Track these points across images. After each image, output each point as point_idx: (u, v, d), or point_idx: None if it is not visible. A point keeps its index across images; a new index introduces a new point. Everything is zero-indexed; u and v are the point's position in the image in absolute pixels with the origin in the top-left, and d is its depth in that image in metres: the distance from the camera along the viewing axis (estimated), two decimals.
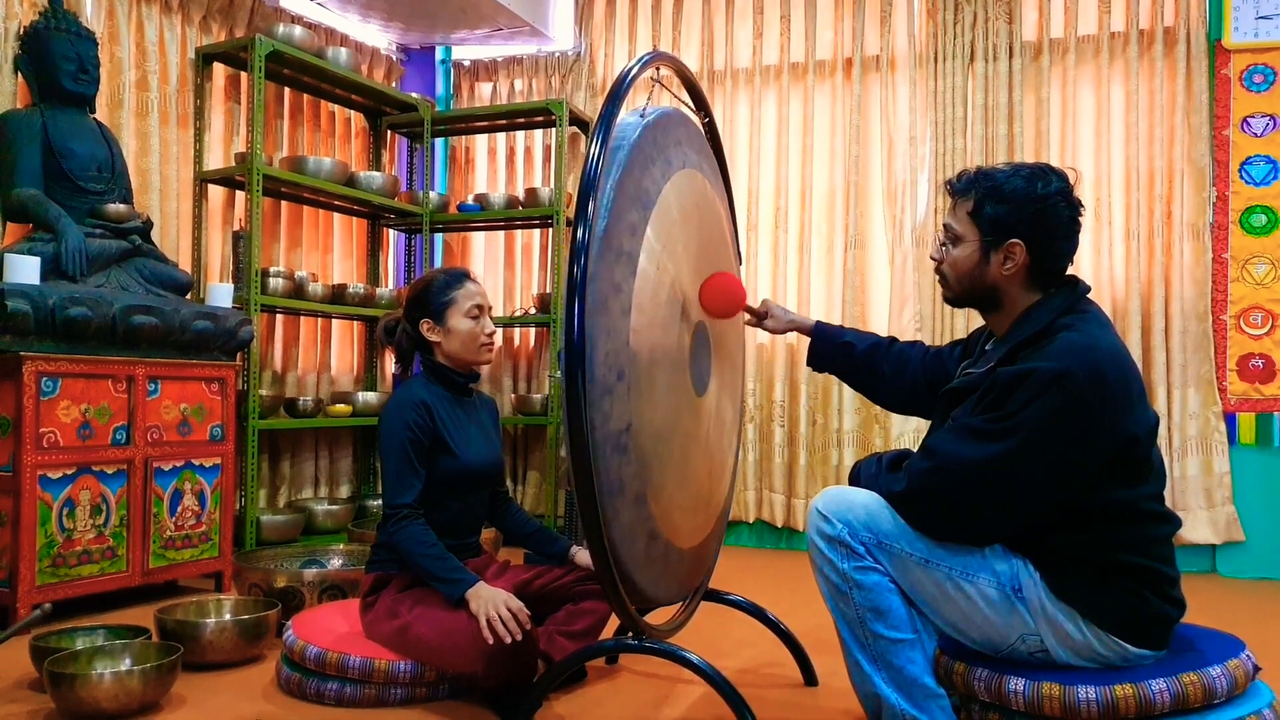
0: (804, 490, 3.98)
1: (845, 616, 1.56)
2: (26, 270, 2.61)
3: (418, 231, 4.38)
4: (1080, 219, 1.58)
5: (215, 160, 3.67)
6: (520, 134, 4.62)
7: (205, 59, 3.58)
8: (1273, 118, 3.57)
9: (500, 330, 4.26)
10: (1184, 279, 3.61)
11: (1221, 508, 3.54)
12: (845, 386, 3.93)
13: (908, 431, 3.85)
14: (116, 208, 2.96)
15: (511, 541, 2.39)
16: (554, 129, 4.20)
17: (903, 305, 3.90)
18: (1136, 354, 3.62)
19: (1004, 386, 1.47)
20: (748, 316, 2.12)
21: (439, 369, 2.17)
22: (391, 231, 4.55)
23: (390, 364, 4.33)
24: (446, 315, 2.13)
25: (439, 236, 4.64)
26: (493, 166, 4.68)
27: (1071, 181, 1.58)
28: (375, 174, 3.92)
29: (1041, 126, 3.78)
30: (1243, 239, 3.59)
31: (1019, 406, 1.45)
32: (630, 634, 1.85)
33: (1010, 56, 3.83)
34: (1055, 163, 3.76)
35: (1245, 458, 3.56)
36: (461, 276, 2.19)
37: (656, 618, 2.03)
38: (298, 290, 3.64)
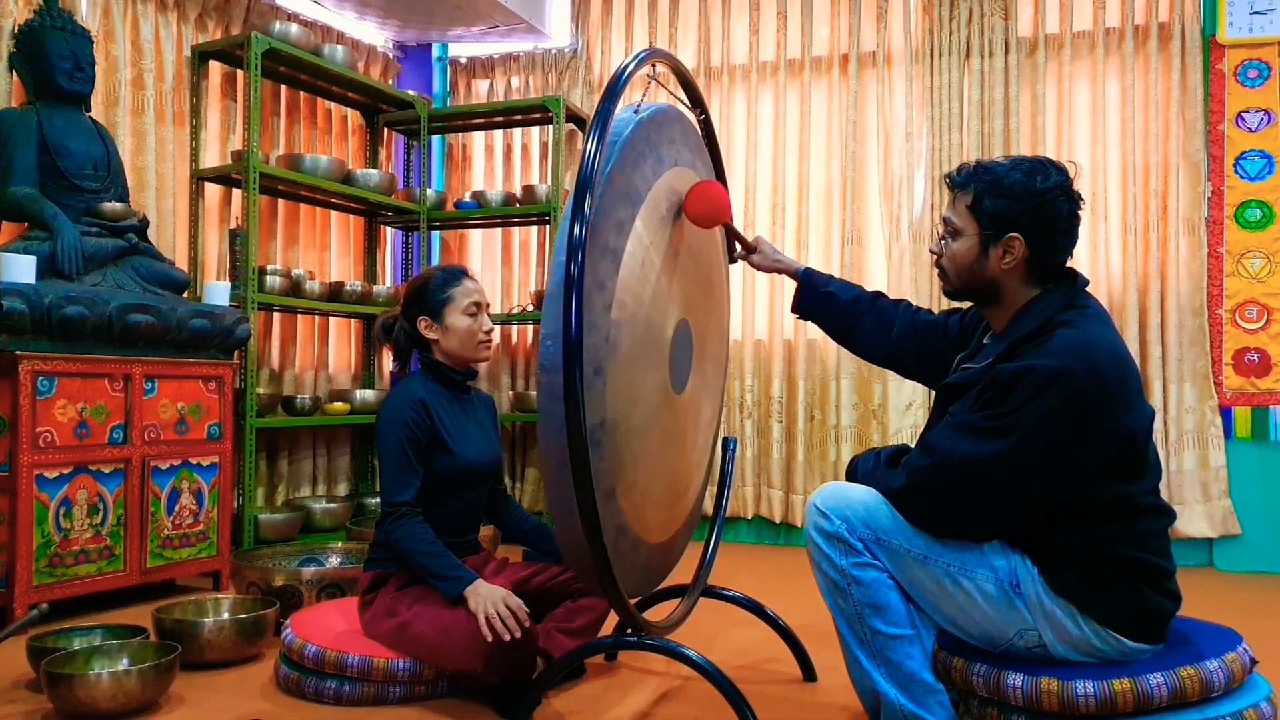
0: (802, 486, 3.98)
1: (844, 612, 1.56)
2: (22, 269, 2.60)
3: (415, 229, 4.37)
4: (1080, 213, 1.58)
5: (212, 158, 3.66)
6: (517, 131, 4.62)
7: (201, 57, 3.57)
8: (1267, 112, 3.58)
9: (498, 328, 4.26)
10: (1180, 273, 3.62)
11: (1218, 501, 3.55)
12: (843, 382, 3.95)
13: (905, 427, 3.86)
14: (113, 206, 2.96)
15: (510, 539, 2.39)
16: (551, 126, 4.20)
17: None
18: (1133, 349, 3.63)
19: (1003, 383, 1.47)
20: (739, 248, 2.10)
21: (437, 367, 2.17)
22: (389, 229, 4.54)
23: (388, 362, 4.33)
24: (444, 313, 2.13)
25: (436, 234, 4.63)
26: (490, 164, 4.68)
27: (1071, 175, 1.57)
28: (372, 172, 3.91)
29: (1037, 122, 3.79)
30: (1238, 233, 3.59)
31: (1018, 404, 1.45)
32: (629, 631, 1.85)
33: (1006, 52, 3.83)
34: (1050, 158, 3.78)
35: (1241, 451, 3.57)
36: (459, 274, 2.18)
37: (655, 614, 2.03)
38: (295, 288, 3.63)
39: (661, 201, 1.86)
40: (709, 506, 3.89)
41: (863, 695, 1.61)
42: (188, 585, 3.08)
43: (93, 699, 1.84)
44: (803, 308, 2.01)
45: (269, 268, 3.53)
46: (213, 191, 3.70)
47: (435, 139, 4.68)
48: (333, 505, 3.77)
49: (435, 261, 4.61)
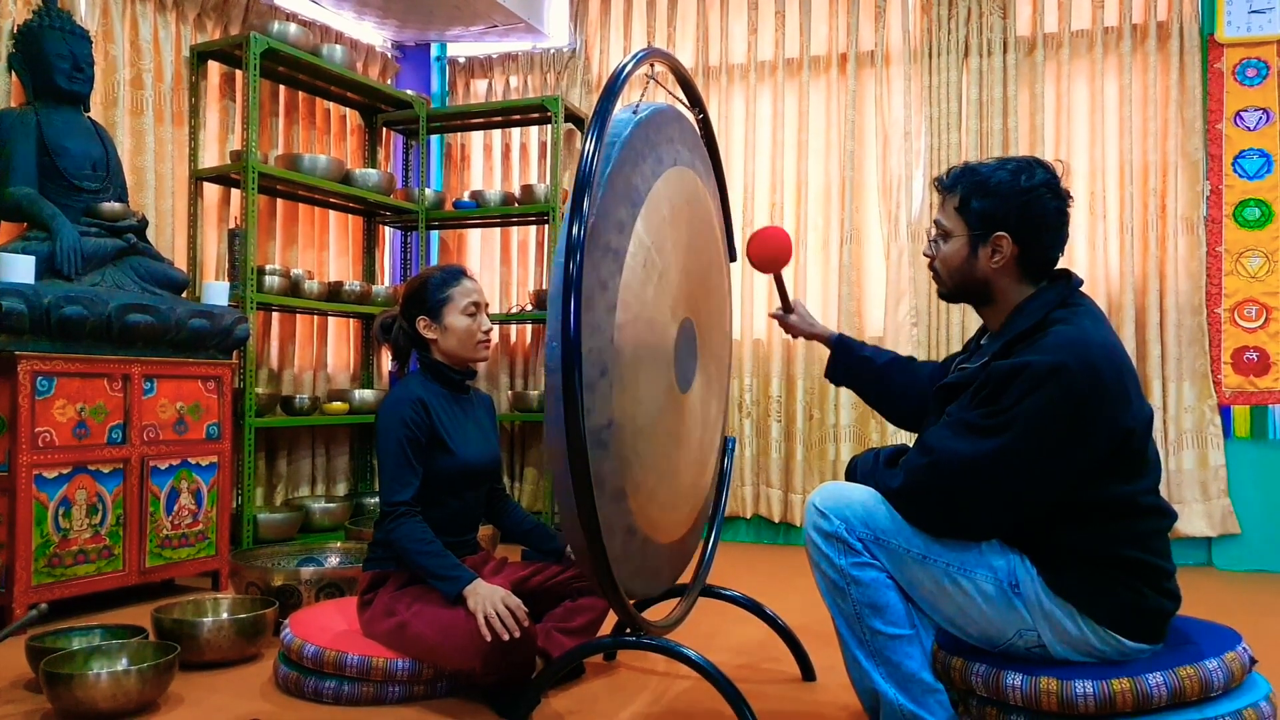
0: (801, 485, 3.98)
1: (843, 612, 1.56)
2: (21, 269, 2.60)
3: (414, 229, 4.37)
4: (1068, 210, 1.58)
5: (210, 158, 3.66)
6: (516, 131, 4.62)
7: (200, 57, 3.57)
8: (1266, 111, 3.58)
9: (497, 327, 4.26)
10: (1178, 273, 3.62)
11: (1217, 500, 3.55)
12: None
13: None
14: (111, 206, 2.96)
15: (509, 538, 2.39)
16: (549, 126, 4.20)
17: (898, 300, 3.90)
18: (1131, 348, 3.63)
19: (999, 381, 1.47)
20: (779, 303, 2.09)
21: (436, 366, 2.17)
22: (387, 229, 4.54)
23: (387, 361, 4.33)
24: (443, 312, 2.13)
25: (435, 234, 4.63)
26: (488, 163, 4.68)
27: (1058, 173, 1.58)
28: (371, 171, 3.91)
29: (1036, 121, 3.79)
30: (1237, 232, 3.59)
31: (1014, 401, 1.45)
32: (628, 630, 1.85)
33: (1004, 51, 3.84)
34: (1049, 157, 3.77)
35: (1240, 451, 3.57)
36: (458, 274, 2.18)
37: (654, 614, 2.03)
38: (294, 288, 3.63)
39: (662, 201, 1.86)
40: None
41: (862, 695, 1.61)
42: (187, 585, 3.08)
43: (92, 699, 1.84)
44: (836, 373, 1.98)
45: (268, 267, 3.53)
46: (211, 191, 3.70)
47: (434, 139, 4.68)
48: (332, 505, 3.77)
49: (434, 261, 4.61)
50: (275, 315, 3.93)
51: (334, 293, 3.82)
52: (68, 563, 2.60)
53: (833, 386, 3.95)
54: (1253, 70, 3.60)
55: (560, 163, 4.12)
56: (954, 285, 1.65)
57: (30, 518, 2.51)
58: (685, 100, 2.18)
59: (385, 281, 4.47)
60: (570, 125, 4.37)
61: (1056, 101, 3.80)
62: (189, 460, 2.95)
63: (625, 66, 1.75)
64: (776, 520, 4.04)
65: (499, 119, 4.44)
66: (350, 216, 4.33)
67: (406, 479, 2.02)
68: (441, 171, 4.75)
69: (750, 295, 4.10)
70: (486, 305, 2.20)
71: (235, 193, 3.73)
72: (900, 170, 3.93)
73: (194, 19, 3.61)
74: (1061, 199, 1.57)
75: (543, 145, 4.55)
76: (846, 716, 1.94)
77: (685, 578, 2.24)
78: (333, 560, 2.84)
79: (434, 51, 4.71)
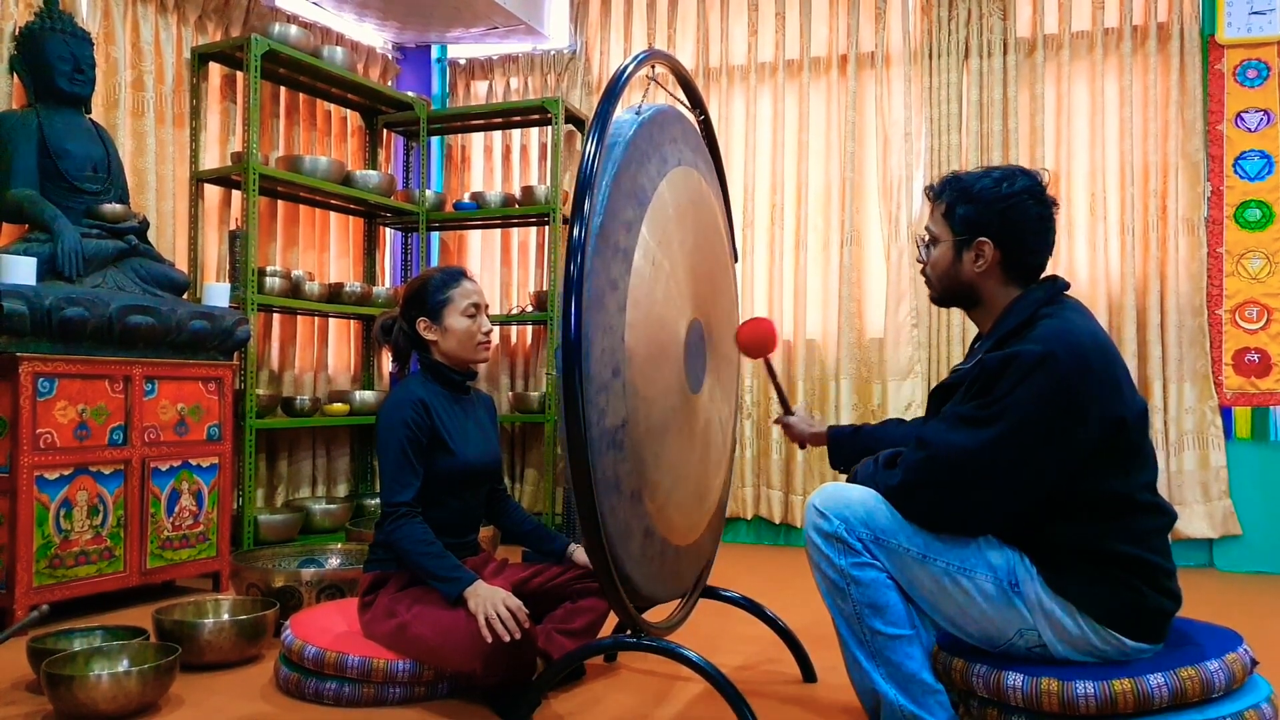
0: (801, 487, 3.98)
1: (843, 613, 1.56)
2: (22, 271, 2.60)
3: (414, 230, 4.37)
4: (1052, 216, 1.62)
5: (211, 160, 3.67)
6: (516, 132, 4.62)
7: (201, 59, 3.57)
8: (1267, 113, 3.58)
9: (497, 328, 4.26)
10: (1179, 274, 3.62)
11: (1218, 502, 3.55)
12: (842, 383, 3.95)
13: None
14: (112, 208, 2.96)
15: (510, 539, 2.39)
16: (550, 127, 4.20)
17: (899, 301, 3.90)
18: (1132, 349, 3.63)
19: (990, 373, 1.50)
20: (779, 411, 2.09)
21: (436, 367, 2.17)
22: (388, 230, 4.54)
23: (387, 363, 4.33)
24: (443, 314, 2.13)
25: (435, 235, 4.63)
26: (489, 165, 4.68)
27: (1042, 181, 1.62)
28: (371, 173, 3.92)
29: (1036, 122, 3.79)
30: (1238, 233, 3.59)
31: (1005, 391, 1.47)
32: (629, 632, 1.85)
33: (1005, 52, 3.84)
34: (1050, 158, 3.79)
35: (1241, 452, 3.57)
36: (458, 275, 2.19)
37: (655, 615, 2.03)
38: (294, 289, 3.63)
39: (668, 201, 1.87)
40: None
41: (862, 696, 1.61)
42: (188, 586, 3.08)
43: (93, 700, 1.84)
44: (839, 456, 1.95)
45: (268, 269, 3.53)
46: (212, 193, 3.70)
47: (434, 140, 4.68)
48: (332, 506, 3.77)
49: (434, 262, 4.61)
50: (276, 317, 3.93)
51: (334, 294, 3.82)
52: (69, 564, 2.61)
53: (834, 387, 3.97)
54: (1253, 71, 3.60)
55: (560, 164, 4.12)
56: (942, 289, 1.70)
57: (31, 519, 2.51)
58: (686, 101, 2.19)
59: (386, 283, 4.47)
60: (571, 127, 4.37)
61: (1057, 103, 3.80)
62: (190, 461, 2.95)
63: (626, 68, 1.75)
64: (777, 521, 4.04)
65: (499, 120, 4.44)
66: (351, 218, 4.33)
67: (407, 480, 2.03)
68: (442, 173, 4.75)
69: (750, 297, 4.10)
70: (487, 306, 2.20)
71: (236, 194, 3.73)
72: (900, 171, 3.93)
73: (195, 21, 3.61)
74: (1044, 205, 1.61)
75: (543, 147, 4.55)
76: (847, 717, 1.94)
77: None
78: (333, 562, 2.84)
79: (434, 53, 4.71)
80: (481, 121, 4.46)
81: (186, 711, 1.96)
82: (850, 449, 1.93)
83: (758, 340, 2.04)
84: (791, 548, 4.01)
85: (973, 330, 1.83)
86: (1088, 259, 3.71)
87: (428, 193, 4.25)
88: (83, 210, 2.93)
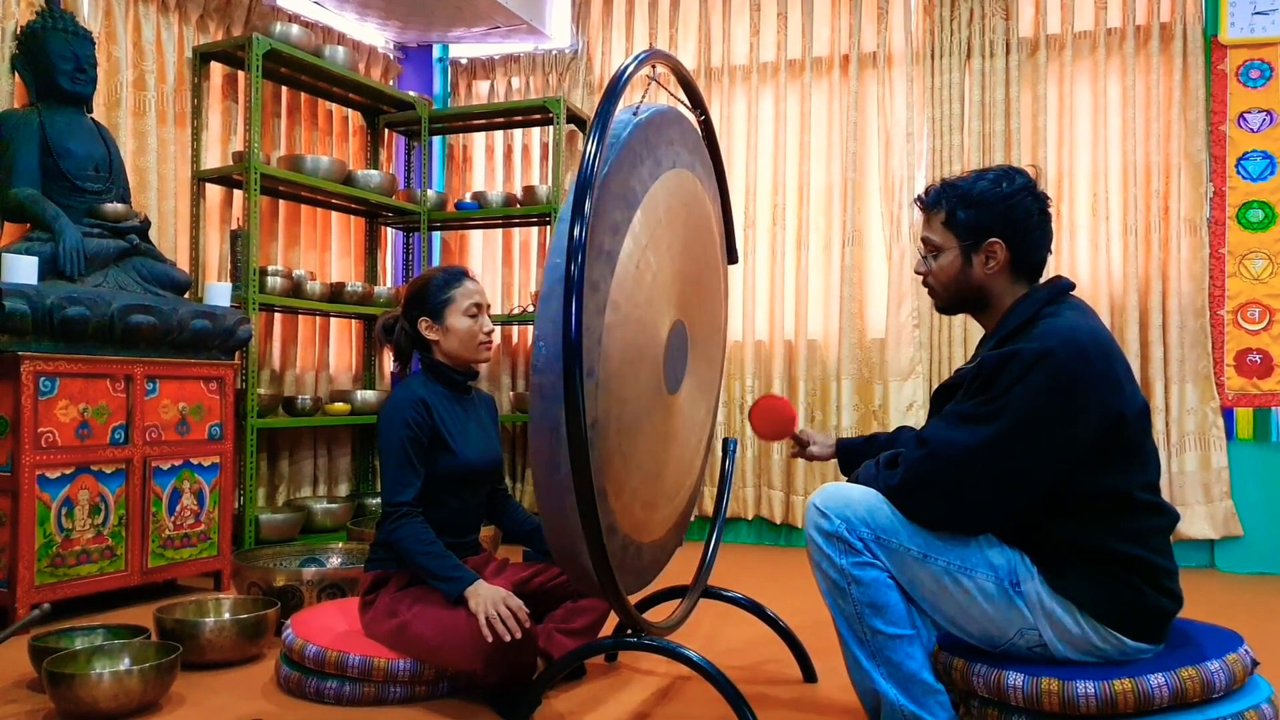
0: (802, 487, 3.98)
1: (844, 612, 1.56)
2: (24, 270, 2.61)
3: (415, 230, 4.37)
4: (1049, 210, 1.64)
5: (213, 159, 3.67)
6: (518, 132, 4.62)
7: (202, 58, 3.57)
8: (1269, 113, 3.58)
9: (498, 328, 4.26)
10: (1181, 274, 3.61)
11: (1219, 503, 3.54)
12: (844, 383, 3.95)
13: None
14: (114, 207, 2.96)
15: (510, 539, 2.39)
16: (551, 127, 4.20)
17: (900, 301, 3.90)
18: (1134, 349, 3.62)
19: (990, 371, 1.50)
20: (794, 446, 2.10)
21: (438, 367, 2.17)
22: (389, 230, 4.55)
23: (389, 362, 4.33)
24: (445, 314, 2.13)
25: (437, 235, 4.64)
26: (490, 165, 4.68)
27: (1034, 177, 1.64)
28: (373, 172, 3.92)
29: (1038, 122, 3.78)
30: (1240, 234, 3.59)
31: (1005, 388, 1.47)
32: (629, 631, 1.85)
33: (1007, 53, 3.83)
34: (1052, 159, 3.79)
35: (1243, 453, 3.57)
36: (459, 275, 2.19)
37: (655, 615, 2.03)
38: (296, 289, 3.64)
39: (659, 204, 1.86)
40: (709, 507, 3.89)
41: (863, 696, 1.61)
42: (189, 585, 3.09)
43: (94, 699, 1.84)
44: (852, 466, 1.94)
45: (270, 268, 3.54)
46: (214, 192, 3.70)
47: (436, 140, 4.68)
48: (333, 506, 3.77)
49: (436, 262, 4.62)
50: (277, 316, 3.94)
51: (336, 294, 3.83)
52: (70, 563, 2.61)
53: (835, 387, 3.97)
54: (1256, 72, 3.59)
55: (562, 164, 4.12)
56: (949, 297, 1.69)
57: (33, 518, 2.51)
58: (687, 102, 2.18)
59: (387, 282, 4.48)
60: (572, 126, 4.37)
61: (1059, 103, 3.80)
62: (191, 461, 2.95)
63: (627, 68, 1.75)
64: (778, 522, 4.04)
65: (501, 120, 4.44)
66: (352, 217, 4.33)
67: (408, 479, 2.03)
68: (443, 172, 4.75)
69: (751, 297, 4.10)
70: (488, 306, 2.20)
71: (237, 194, 3.73)
72: (902, 172, 3.93)
73: (196, 20, 3.62)
74: (1041, 200, 1.63)
75: (544, 146, 4.55)
76: (847, 717, 1.94)
77: (686, 578, 2.24)
78: (334, 561, 2.84)
79: (436, 53, 4.72)
80: (483, 121, 4.46)
81: (187, 710, 1.96)
82: (855, 454, 1.94)
83: (776, 425, 2.04)
84: (792, 548, 4.01)
85: (974, 330, 1.83)
86: (1089, 260, 3.70)
87: (429, 192, 4.26)
88: (84, 210, 2.93)
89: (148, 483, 2.81)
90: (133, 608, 2.76)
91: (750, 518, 4.11)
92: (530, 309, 4.26)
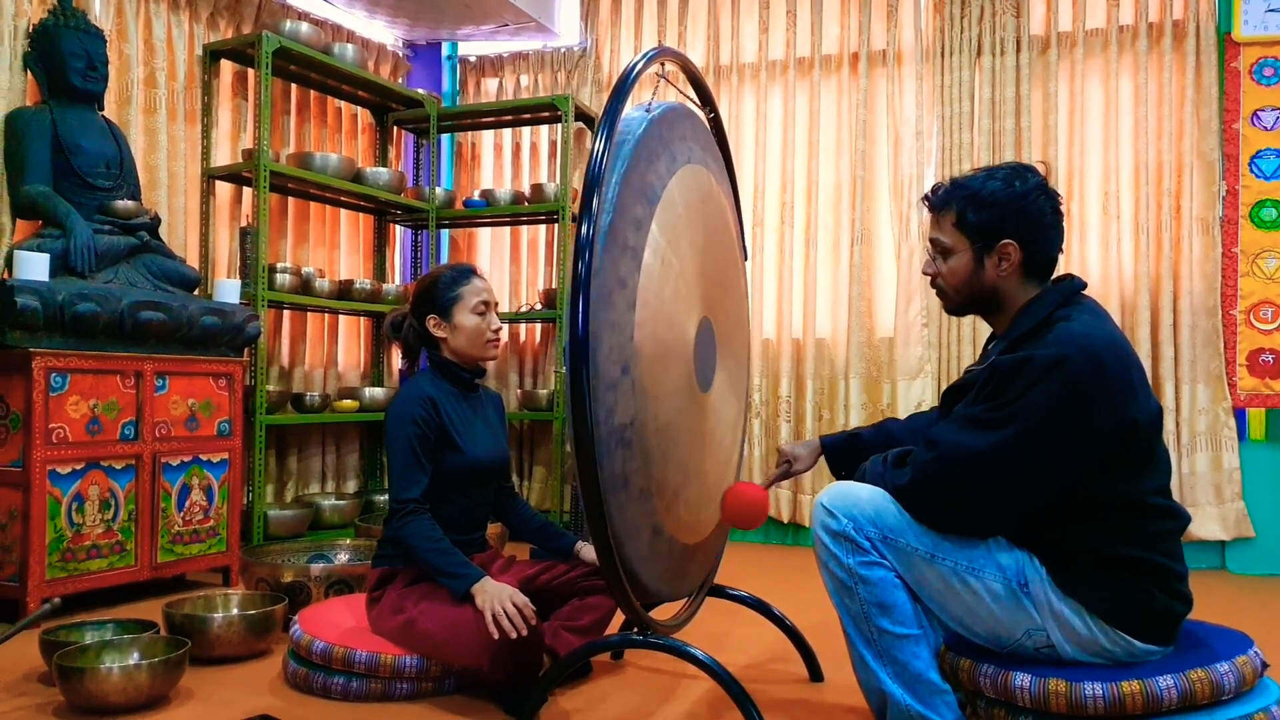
0: (810, 486, 3.97)
1: (850, 612, 1.56)
2: (36, 266, 2.62)
3: (424, 227, 4.38)
4: (1061, 209, 1.62)
5: (223, 157, 3.68)
6: (526, 130, 4.62)
7: (213, 56, 3.59)
8: None
9: (506, 326, 4.27)
10: (1193, 274, 3.59)
11: (1231, 504, 3.52)
12: (851, 382, 3.94)
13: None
14: (125, 204, 2.98)
15: (517, 536, 2.40)
16: (560, 124, 4.20)
17: (909, 300, 3.88)
18: (1145, 349, 3.60)
19: (1003, 376, 1.49)
20: (778, 474, 2.02)
21: (445, 365, 2.17)
22: (398, 227, 4.55)
23: (397, 360, 4.34)
24: (453, 311, 2.14)
25: (445, 232, 4.64)
26: (499, 162, 4.68)
27: (1043, 174, 1.62)
28: (382, 170, 3.93)
29: (1049, 121, 3.76)
30: (1253, 233, 3.56)
31: (1018, 394, 1.46)
32: (635, 629, 1.85)
33: (1018, 50, 3.81)
34: (1063, 157, 3.77)
35: (1255, 453, 3.54)
36: (468, 272, 2.19)
37: (662, 613, 2.03)
38: (305, 286, 3.65)
39: (677, 199, 1.86)
40: None
41: (869, 695, 1.60)
42: (198, 581, 3.10)
43: (103, 692, 1.86)
44: (837, 462, 1.92)
45: (279, 266, 3.55)
46: (223, 189, 3.72)
47: (444, 137, 4.69)
48: (341, 502, 3.78)
49: (444, 260, 4.62)
50: (286, 313, 3.95)
51: (345, 291, 3.84)
52: (80, 558, 2.62)
53: (844, 386, 3.96)
54: (1270, 69, 3.56)
55: (570, 162, 4.12)
56: (961, 299, 1.67)
57: (44, 513, 2.53)
58: (696, 99, 2.18)
59: (395, 280, 4.49)
60: (580, 124, 4.37)
61: (1070, 101, 3.78)
62: (200, 457, 2.96)
63: (636, 65, 1.75)
64: (785, 521, 4.03)
65: (509, 118, 4.45)
66: (361, 215, 4.34)
67: (416, 477, 2.03)
68: (452, 170, 4.76)
69: (759, 296, 4.09)
70: (496, 304, 2.21)
71: (247, 191, 3.74)
72: (912, 170, 3.92)
73: (207, 18, 3.63)
74: (1053, 199, 1.60)
75: (553, 144, 4.55)
76: (854, 717, 1.94)
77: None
78: (342, 557, 2.85)
79: (445, 50, 4.72)
80: (491, 119, 4.46)
81: (196, 704, 1.97)
82: (847, 454, 1.90)
83: (745, 514, 1.89)
84: (800, 547, 4.00)
85: (983, 328, 1.82)
86: (1100, 258, 3.68)
87: (438, 190, 4.26)
88: (95, 206, 2.95)
89: (157, 478, 2.82)
90: (142, 603, 2.78)
91: None
92: (538, 307, 4.26)
